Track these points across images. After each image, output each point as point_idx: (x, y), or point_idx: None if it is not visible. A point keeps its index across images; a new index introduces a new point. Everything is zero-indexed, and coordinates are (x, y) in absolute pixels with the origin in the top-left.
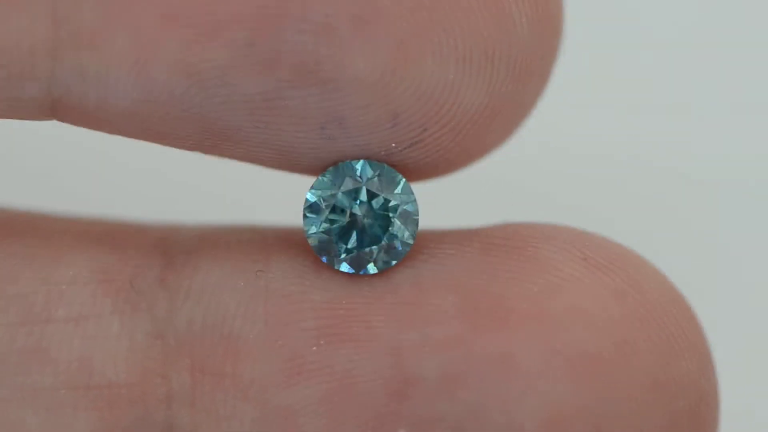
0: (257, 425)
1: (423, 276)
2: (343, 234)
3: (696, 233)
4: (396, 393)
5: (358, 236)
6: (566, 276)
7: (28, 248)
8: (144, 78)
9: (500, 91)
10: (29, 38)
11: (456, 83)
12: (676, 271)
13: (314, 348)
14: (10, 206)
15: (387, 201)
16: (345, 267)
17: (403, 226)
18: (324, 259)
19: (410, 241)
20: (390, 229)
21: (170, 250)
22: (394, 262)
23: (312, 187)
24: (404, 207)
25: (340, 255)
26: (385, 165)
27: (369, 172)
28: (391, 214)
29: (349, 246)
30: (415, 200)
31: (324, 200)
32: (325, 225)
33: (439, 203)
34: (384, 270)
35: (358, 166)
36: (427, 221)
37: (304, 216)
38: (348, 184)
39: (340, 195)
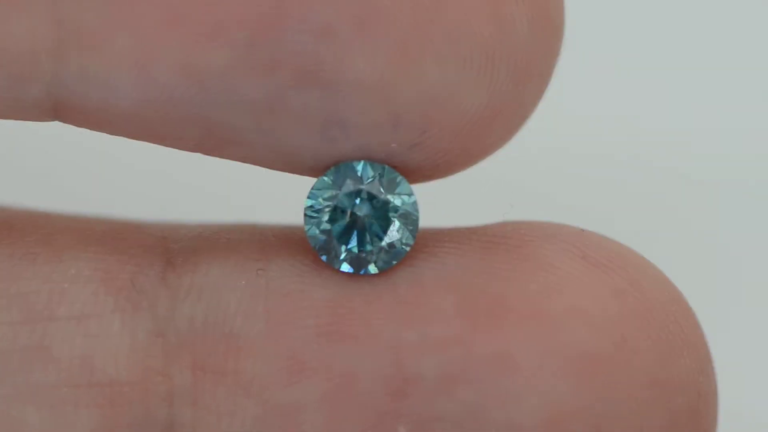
0: (258, 423)
1: (423, 275)
2: (344, 234)
3: (696, 233)
4: (395, 392)
5: (359, 236)
6: (565, 275)
7: (30, 247)
8: (145, 79)
9: (501, 92)
10: (30, 39)
11: (456, 84)
12: (676, 271)
13: (314, 346)
14: (10, 205)
15: (387, 202)
16: (345, 267)
17: (403, 227)
18: (324, 259)
19: (410, 242)
20: (390, 229)
21: (171, 249)
22: (394, 262)
23: (313, 188)
24: (405, 208)
25: (340, 255)
26: (386, 166)
27: (370, 173)
28: (391, 215)
29: (350, 246)
30: (415, 201)
31: (325, 201)
32: (325, 225)
33: (439, 203)
34: (384, 270)
35: (359, 167)
36: (427, 221)
37: (305, 216)
38: (349, 185)
39: (341, 196)
